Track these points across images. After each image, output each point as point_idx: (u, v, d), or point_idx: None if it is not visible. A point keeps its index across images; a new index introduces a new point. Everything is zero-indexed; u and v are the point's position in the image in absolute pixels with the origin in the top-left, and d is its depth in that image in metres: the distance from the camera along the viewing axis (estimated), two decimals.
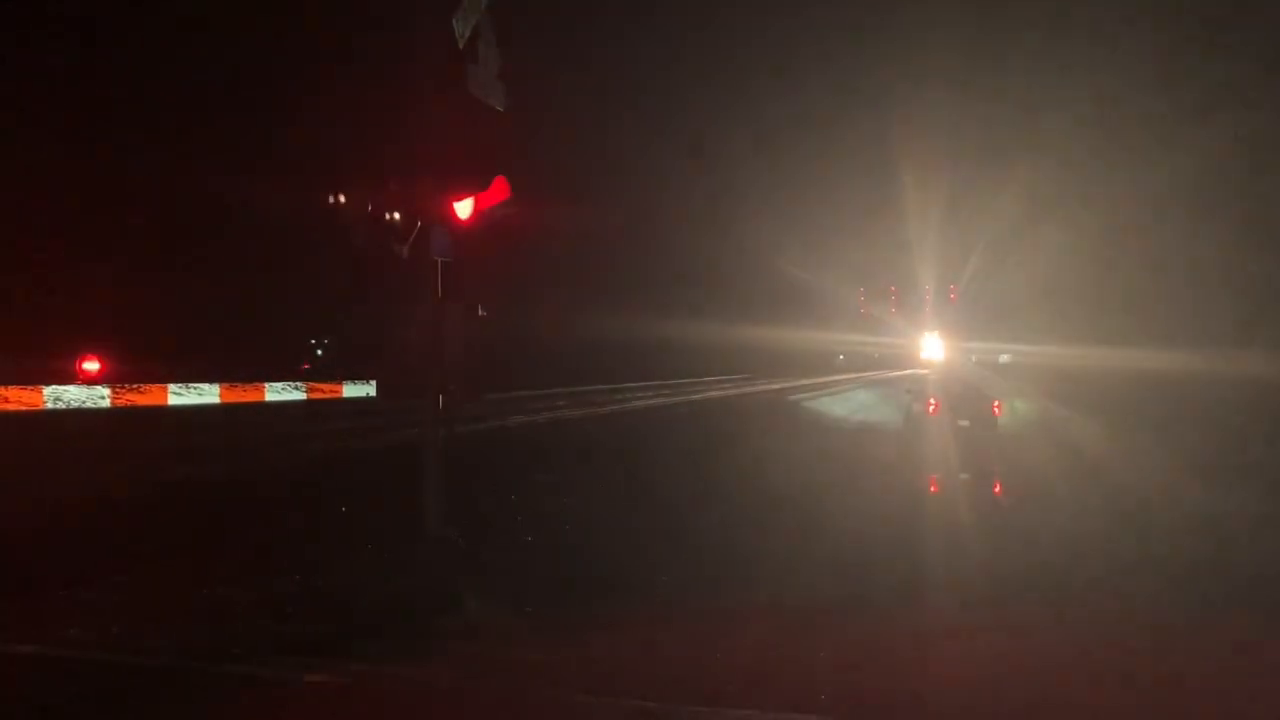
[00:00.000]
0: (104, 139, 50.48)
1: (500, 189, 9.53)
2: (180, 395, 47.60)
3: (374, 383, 58.16)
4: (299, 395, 54.00)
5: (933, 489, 18.45)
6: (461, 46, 9.44)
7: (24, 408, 40.77)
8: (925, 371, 62.13)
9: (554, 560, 11.34)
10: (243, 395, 50.61)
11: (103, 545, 11.80)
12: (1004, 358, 52.62)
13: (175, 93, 54.35)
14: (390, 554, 10.88)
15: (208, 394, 48.85)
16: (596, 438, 27.23)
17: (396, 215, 9.09)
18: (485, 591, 9.66)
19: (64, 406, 42.47)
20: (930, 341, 78.72)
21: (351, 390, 57.42)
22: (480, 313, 9.49)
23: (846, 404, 45.92)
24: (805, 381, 75.91)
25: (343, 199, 9.05)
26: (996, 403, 26.39)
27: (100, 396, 44.46)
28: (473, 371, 9.63)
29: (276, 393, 52.72)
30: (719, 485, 17.14)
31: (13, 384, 41.03)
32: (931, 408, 27.22)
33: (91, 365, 47.19)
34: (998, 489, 18.53)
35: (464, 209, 9.47)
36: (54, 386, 43.07)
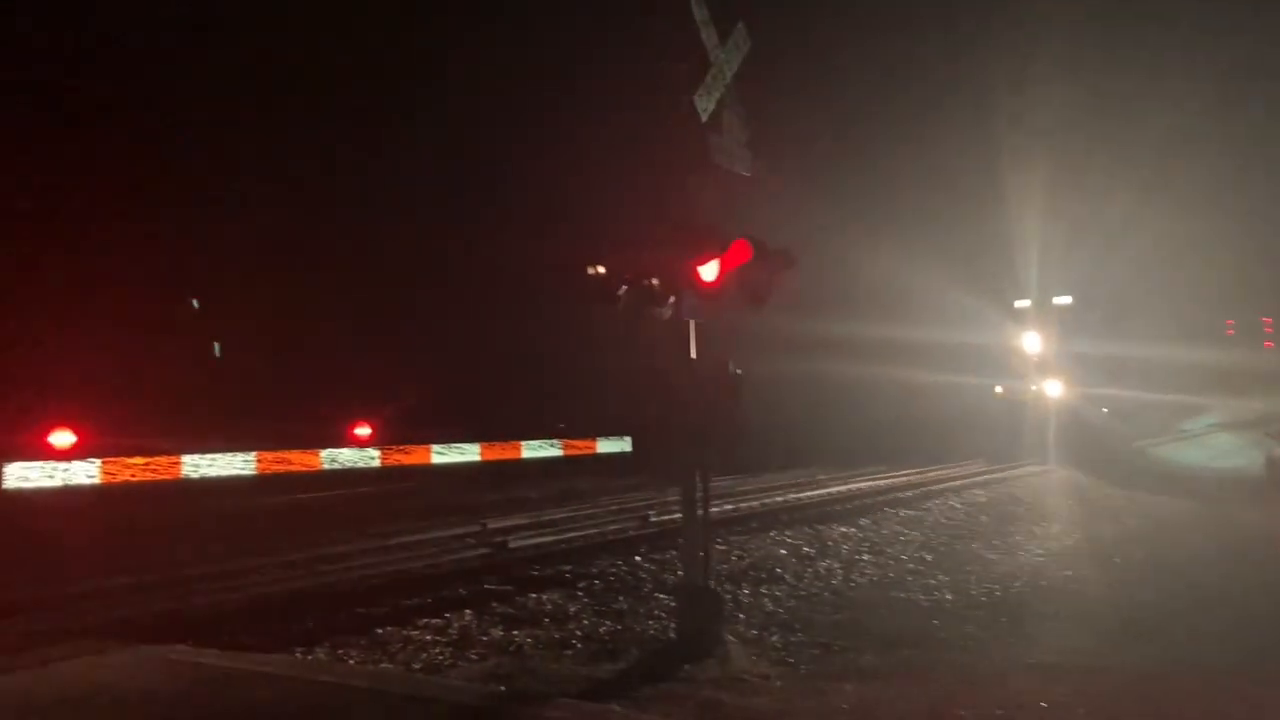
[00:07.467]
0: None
1: (741, 250, 9.78)
2: (443, 454, 50.31)
3: (629, 439, 59.41)
4: (556, 452, 55.93)
5: None
6: (705, 120, 9.90)
7: (305, 469, 44.47)
8: None
9: (823, 613, 11.44)
10: (501, 453, 52.96)
11: (401, 593, 12.52)
12: None
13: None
14: (653, 603, 11.31)
15: (469, 452, 51.40)
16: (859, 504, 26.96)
17: (655, 281, 9.64)
18: (747, 641, 9.91)
19: (339, 467, 45.90)
20: None
21: (606, 446, 58.88)
22: (735, 371, 9.83)
23: None
24: None
25: (602, 270, 9.66)
26: None
27: (371, 457, 47.68)
28: (728, 429, 9.97)
29: (533, 450, 54.82)
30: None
31: (294, 448, 44.96)
32: None
33: (363, 430, 50.74)
34: None
35: (709, 272, 9.80)
36: (330, 450, 46.60)
